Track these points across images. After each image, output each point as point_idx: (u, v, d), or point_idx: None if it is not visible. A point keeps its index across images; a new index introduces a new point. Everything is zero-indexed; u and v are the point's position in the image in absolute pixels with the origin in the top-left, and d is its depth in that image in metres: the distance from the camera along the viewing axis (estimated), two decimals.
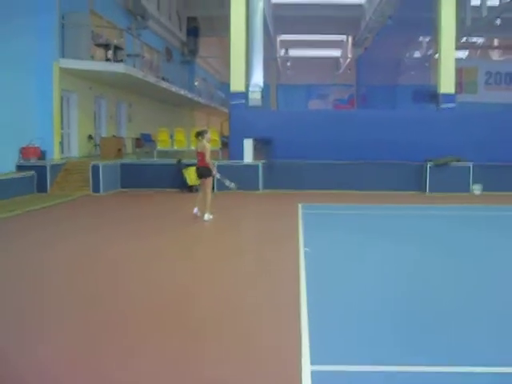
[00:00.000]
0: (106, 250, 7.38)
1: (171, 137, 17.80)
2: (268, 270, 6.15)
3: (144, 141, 20.52)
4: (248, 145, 15.89)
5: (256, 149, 16.04)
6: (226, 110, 25.66)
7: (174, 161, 15.98)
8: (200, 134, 9.93)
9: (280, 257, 6.79)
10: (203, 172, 9.82)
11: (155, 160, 16.51)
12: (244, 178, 14.77)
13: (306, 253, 6.79)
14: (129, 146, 20.98)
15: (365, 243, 7.54)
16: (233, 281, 5.76)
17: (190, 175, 14.55)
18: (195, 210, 10.16)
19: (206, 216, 9.67)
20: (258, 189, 15.48)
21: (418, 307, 4.84)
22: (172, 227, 9.25)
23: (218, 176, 9.96)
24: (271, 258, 6.79)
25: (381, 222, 9.80)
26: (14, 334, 4.26)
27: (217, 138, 17.23)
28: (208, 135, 9.98)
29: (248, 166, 15.77)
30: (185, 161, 15.81)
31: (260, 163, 15.35)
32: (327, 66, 43.38)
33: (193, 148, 16.05)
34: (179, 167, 15.76)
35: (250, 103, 16.18)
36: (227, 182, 10.11)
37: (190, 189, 14.97)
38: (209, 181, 10.01)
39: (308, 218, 10.19)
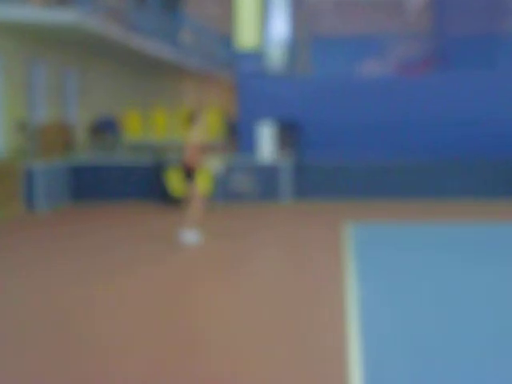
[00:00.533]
0: (48, 298, 7.76)
1: (146, 122, 18.00)
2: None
3: (105, 128, 20.94)
4: (266, 132, 16.08)
5: (279, 138, 16.40)
6: (231, 79, 26.64)
7: (150, 159, 16.30)
8: (194, 118, 10.57)
9: (314, 336, 6.51)
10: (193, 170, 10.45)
11: (122, 158, 16.84)
12: (261, 183, 15.25)
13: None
14: (81, 137, 21.44)
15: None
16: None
17: (176, 181, 14.08)
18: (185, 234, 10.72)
19: (187, 235, 10.45)
20: (281, 199, 15.64)
21: None
22: (148, 261, 9.70)
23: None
24: (296, 337, 6.49)
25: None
26: None
27: (217, 122, 17.56)
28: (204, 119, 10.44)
29: (266, 166, 16.04)
30: (168, 159, 16.18)
31: (285, 160, 15.43)
32: (388, 7, 42.85)
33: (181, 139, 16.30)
34: (159, 169, 16.02)
35: (269, 68, 16.48)
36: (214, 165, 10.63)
37: (176, 202, 14.86)
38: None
39: (362, 248, 10.19)
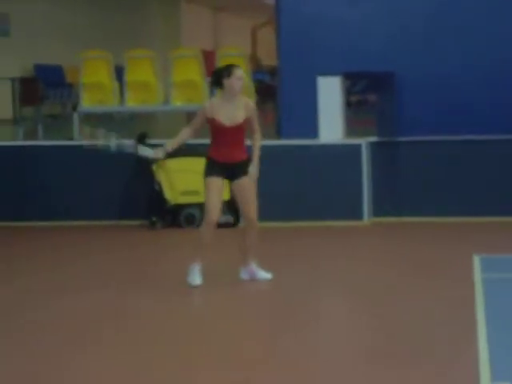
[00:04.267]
0: None
1: (119, 76, 15.22)
2: None
3: (45, 86, 18.50)
4: (332, 94, 13.59)
5: (353, 106, 14.66)
6: (265, 1, 24.22)
7: (128, 143, 14.02)
8: (218, 78, 9.34)
9: None
10: (242, 168, 9.39)
11: (76, 141, 14.51)
12: (325, 189, 13.43)
13: None
14: (4, 102, 18.24)
15: None
16: None
17: (173, 178, 13.58)
18: (246, 271, 9.54)
19: (259, 272, 9.45)
20: (360, 216, 13.36)
21: None
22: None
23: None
24: None
25: None
26: None
27: (244, 76, 13.55)
28: (238, 73, 9.20)
29: (332, 155, 13.64)
30: (158, 140, 13.68)
31: (364, 145, 13.37)
32: None
33: (178, 105, 14.92)
34: (143, 159, 13.82)
35: None
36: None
37: (174, 215, 13.45)
38: (205, 187, 9.50)
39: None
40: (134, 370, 6.29)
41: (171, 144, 9.58)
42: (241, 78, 9.14)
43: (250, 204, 9.23)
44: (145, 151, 12.13)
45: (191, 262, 9.12)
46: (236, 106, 9.09)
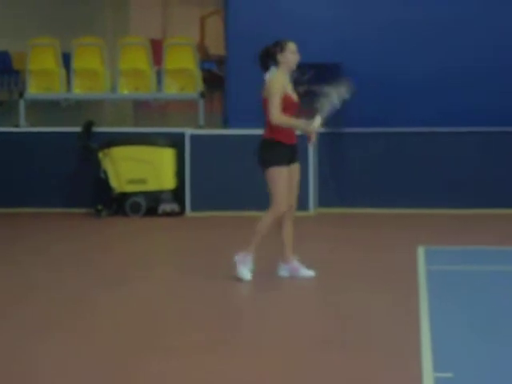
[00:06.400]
0: None
1: (66, 62, 15.26)
2: None
3: None
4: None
5: (300, 97, 12.50)
6: None
7: (76, 129, 14.08)
8: (272, 55, 8.93)
9: None
10: (264, 155, 8.90)
11: (22, 128, 14.57)
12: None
13: None
14: None
15: None
16: None
17: (119, 166, 13.49)
18: (287, 267, 9.13)
19: (303, 269, 9.06)
20: (306, 207, 13.28)
21: None
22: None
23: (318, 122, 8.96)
24: None
25: None
26: None
27: (191, 65, 14.92)
28: (292, 46, 8.91)
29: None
30: (104, 128, 14.37)
31: (312, 138, 11.66)
32: None
33: (126, 93, 15.06)
34: (88, 146, 13.76)
35: None
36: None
37: (119, 204, 13.40)
38: (275, 176, 8.90)
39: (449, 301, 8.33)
40: (86, 359, 6.18)
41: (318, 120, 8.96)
42: (295, 51, 8.84)
43: (297, 190, 8.98)
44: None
45: (244, 252, 8.76)
46: (290, 82, 8.88)
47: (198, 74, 14.75)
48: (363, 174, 13.87)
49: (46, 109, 16.23)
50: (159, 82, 13.76)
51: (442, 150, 13.84)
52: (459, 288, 8.62)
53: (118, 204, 13.36)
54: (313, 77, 14.51)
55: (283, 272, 8.76)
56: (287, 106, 8.55)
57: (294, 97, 8.83)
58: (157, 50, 14.58)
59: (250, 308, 8.20)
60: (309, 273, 8.77)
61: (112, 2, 28.81)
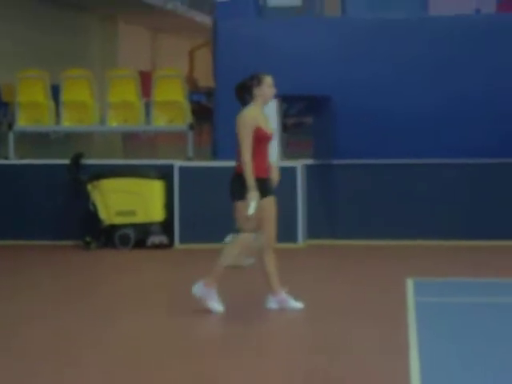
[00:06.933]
0: None
1: (55, 94, 15.08)
2: None
3: None
4: (268, 117, 11.99)
5: (290, 129, 14.85)
6: (204, 22, 25.13)
7: (65, 161, 13.96)
8: (248, 88, 8.96)
9: None
10: (235, 188, 8.95)
11: (11, 161, 14.49)
12: None
13: None
14: None
15: None
16: None
17: (108, 198, 13.29)
18: (275, 299, 9.01)
19: (291, 301, 9.00)
20: (294, 238, 13.36)
21: None
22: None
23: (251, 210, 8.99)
24: None
25: None
26: None
27: (180, 97, 14.80)
28: (269, 80, 8.88)
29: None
30: (93, 160, 14.30)
31: (300, 168, 13.54)
32: None
33: (114, 125, 14.90)
34: (78, 179, 13.66)
35: (271, 2, 14.18)
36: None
37: (108, 236, 13.30)
38: (242, 210, 8.90)
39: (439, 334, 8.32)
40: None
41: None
42: (272, 85, 8.79)
43: (275, 222, 9.03)
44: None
45: (207, 287, 8.74)
46: (265, 115, 8.85)
47: (187, 106, 14.76)
48: (352, 205, 13.79)
49: (35, 141, 16.13)
50: (148, 114, 13.68)
51: (431, 182, 13.83)
52: (448, 320, 8.56)
53: (106, 236, 13.25)
54: (302, 109, 14.69)
55: (272, 304, 8.68)
56: (259, 139, 8.54)
57: (268, 129, 8.73)
58: (146, 81, 14.48)
59: (240, 343, 7.95)
60: (297, 305, 8.67)
61: (101, 34, 29.15)
